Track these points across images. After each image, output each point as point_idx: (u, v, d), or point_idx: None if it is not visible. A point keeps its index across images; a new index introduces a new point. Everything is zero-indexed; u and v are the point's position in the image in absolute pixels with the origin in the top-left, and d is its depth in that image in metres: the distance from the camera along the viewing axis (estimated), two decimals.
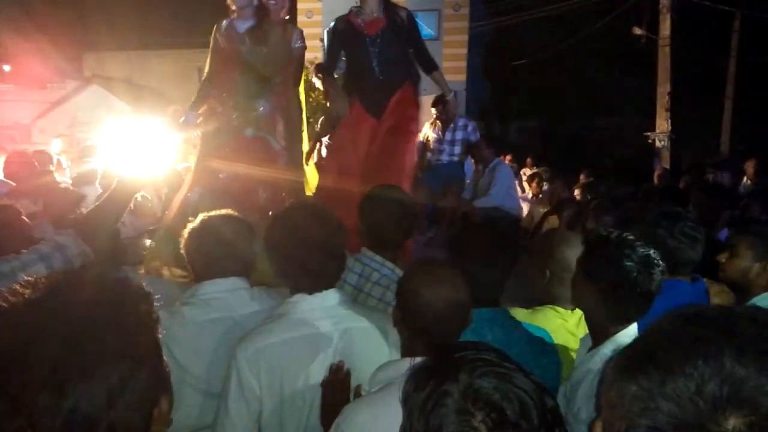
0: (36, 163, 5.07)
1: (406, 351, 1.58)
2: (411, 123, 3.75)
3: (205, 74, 3.77)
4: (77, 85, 26.81)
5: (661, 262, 1.68)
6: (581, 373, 1.72)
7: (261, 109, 3.63)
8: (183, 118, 3.71)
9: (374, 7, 3.65)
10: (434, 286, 1.51)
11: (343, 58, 3.89)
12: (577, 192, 6.27)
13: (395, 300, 1.62)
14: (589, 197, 5.43)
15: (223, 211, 1.98)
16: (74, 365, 0.82)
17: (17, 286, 0.89)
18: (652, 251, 1.68)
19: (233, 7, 3.59)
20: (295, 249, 1.76)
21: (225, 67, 3.63)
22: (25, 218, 2.36)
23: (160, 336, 0.97)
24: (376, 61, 3.62)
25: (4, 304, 0.86)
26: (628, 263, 1.64)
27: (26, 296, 0.87)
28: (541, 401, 0.91)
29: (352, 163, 3.63)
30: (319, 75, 3.95)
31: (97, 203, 1.96)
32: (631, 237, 1.71)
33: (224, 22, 3.65)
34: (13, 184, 4.48)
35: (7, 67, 27.02)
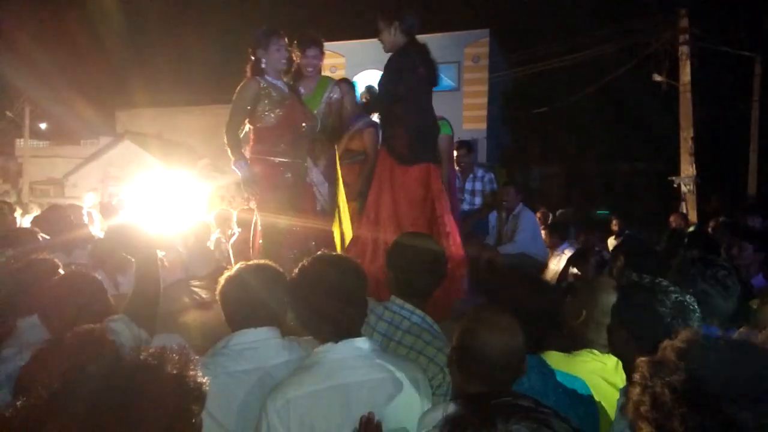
0: (71, 217, 5.20)
1: (457, 394, 1.57)
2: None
3: (234, 125, 3.65)
4: (110, 141, 27.78)
5: (697, 308, 1.65)
6: (622, 426, 1.67)
7: (325, 162, 3.99)
8: (241, 171, 3.60)
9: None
10: (494, 332, 1.54)
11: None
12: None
13: (452, 340, 1.62)
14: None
15: (259, 261, 2.02)
16: None
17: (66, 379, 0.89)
18: (687, 297, 1.66)
19: (282, 68, 3.72)
20: (314, 297, 1.79)
21: (285, 123, 3.66)
22: (62, 272, 2.41)
23: None
24: None
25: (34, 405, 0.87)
26: (662, 309, 1.62)
27: (74, 390, 0.88)
28: None
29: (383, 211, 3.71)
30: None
31: (134, 287, 2.06)
32: (664, 282, 1.70)
33: (260, 80, 3.63)
34: (48, 237, 4.59)
35: (43, 125, 28.21)
